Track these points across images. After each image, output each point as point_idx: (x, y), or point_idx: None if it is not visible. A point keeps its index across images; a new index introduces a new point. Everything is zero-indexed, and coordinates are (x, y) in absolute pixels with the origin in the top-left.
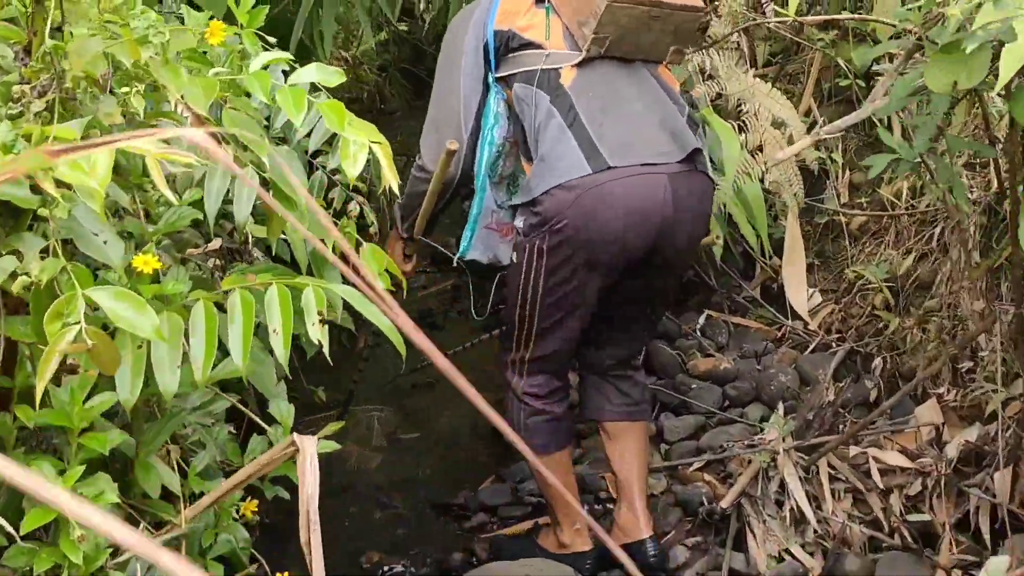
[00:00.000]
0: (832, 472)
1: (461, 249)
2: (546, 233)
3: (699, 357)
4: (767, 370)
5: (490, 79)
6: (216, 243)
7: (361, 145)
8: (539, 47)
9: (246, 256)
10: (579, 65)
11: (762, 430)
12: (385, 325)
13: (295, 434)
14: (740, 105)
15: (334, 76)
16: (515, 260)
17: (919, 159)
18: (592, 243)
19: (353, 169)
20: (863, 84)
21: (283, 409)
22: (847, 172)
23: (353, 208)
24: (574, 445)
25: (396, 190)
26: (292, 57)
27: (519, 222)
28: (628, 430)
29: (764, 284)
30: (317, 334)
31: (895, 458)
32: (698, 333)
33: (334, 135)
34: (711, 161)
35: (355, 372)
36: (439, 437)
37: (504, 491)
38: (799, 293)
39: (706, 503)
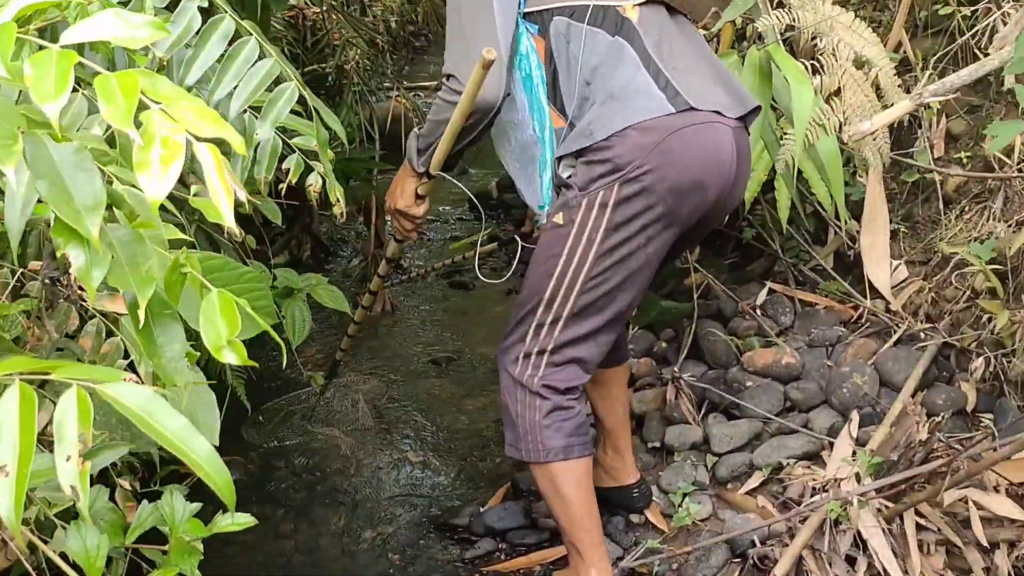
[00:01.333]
0: (920, 521)
1: (545, 200)
2: (616, 183)
3: (757, 346)
4: (839, 367)
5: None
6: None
7: (173, 147)
8: None
9: (70, 290)
10: (639, 5)
11: (831, 445)
12: (198, 454)
13: None
14: (815, 40)
15: (143, 28)
16: (560, 221)
17: None
18: (674, 193)
19: (158, 184)
20: (968, 14)
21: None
22: (943, 119)
23: (313, 182)
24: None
25: (233, 228)
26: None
27: (568, 173)
28: (613, 375)
29: (837, 252)
30: (71, 478)
31: (1003, 506)
32: (758, 312)
33: (271, 87)
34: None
35: (343, 339)
36: (452, 428)
37: (516, 511)
38: (880, 266)
39: (758, 543)
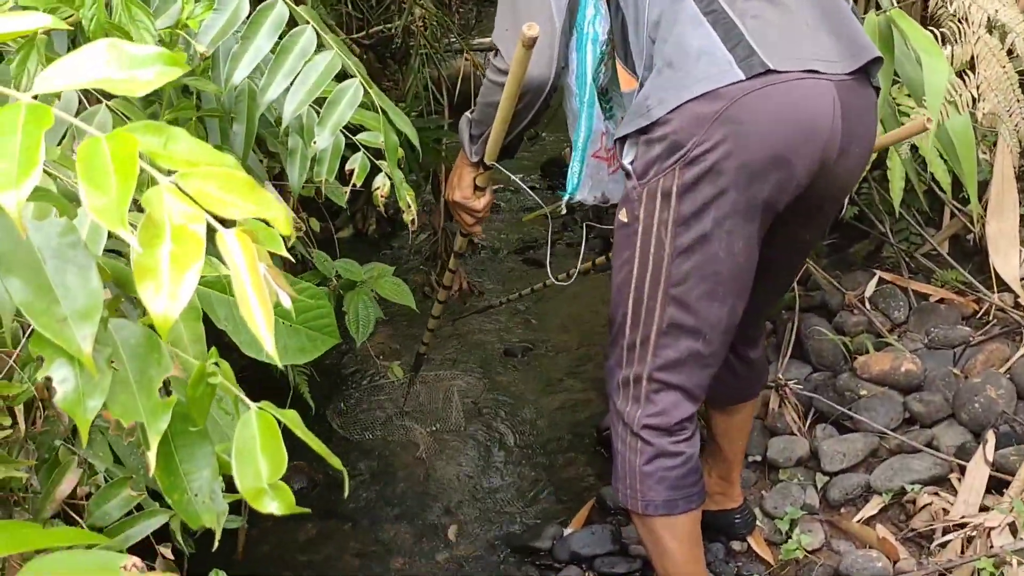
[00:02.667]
0: None
1: (570, 187)
2: (676, 166)
3: (870, 346)
4: (969, 378)
5: None
6: None
7: (189, 243)
8: None
9: None
10: None
11: (961, 469)
12: None
13: None
14: (942, 4)
15: (149, 65)
16: (625, 219)
17: None
18: (747, 173)
19: (167, 300)
20: None
21: None
22: None
23: (380, 184)
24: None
25: (273, 355)
26: None
27: (631, 157)
28: (739, 408)
29: (954, 236)
30: None
31: None
32: (867, 305)
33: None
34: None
35: (425, 332)
36: (529, 431)
37: (604, 536)
38: (1008, 255)
39: None
